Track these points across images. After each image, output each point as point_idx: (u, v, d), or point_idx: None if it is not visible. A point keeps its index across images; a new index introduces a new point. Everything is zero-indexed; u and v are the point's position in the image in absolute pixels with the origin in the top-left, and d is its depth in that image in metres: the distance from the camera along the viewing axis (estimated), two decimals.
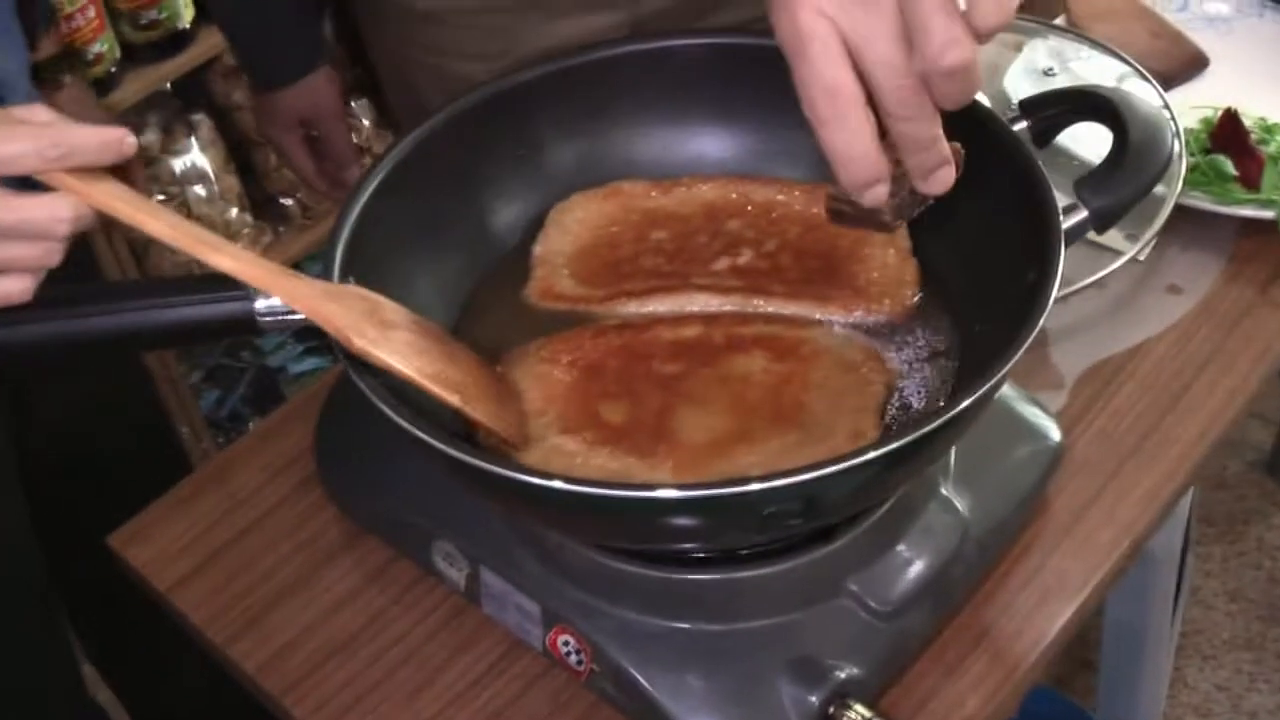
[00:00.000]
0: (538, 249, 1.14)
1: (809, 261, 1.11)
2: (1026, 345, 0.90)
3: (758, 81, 1.07)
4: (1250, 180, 1.34)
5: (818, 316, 1.07)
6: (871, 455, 0.85)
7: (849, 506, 0.98)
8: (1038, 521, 1.15)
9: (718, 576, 1.01)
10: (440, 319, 1.08)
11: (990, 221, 1.03)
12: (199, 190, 2.32)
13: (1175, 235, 1.35)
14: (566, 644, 1.04)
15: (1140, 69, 1.42)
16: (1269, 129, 1.40)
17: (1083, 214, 0.98)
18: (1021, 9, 1.57)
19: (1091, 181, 0.99)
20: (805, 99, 0.84)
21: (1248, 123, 1.38)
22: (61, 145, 0.84)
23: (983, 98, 1.38)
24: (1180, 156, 1.33)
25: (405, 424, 0.88)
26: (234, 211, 2.38)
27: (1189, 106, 1.43)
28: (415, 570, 1.16)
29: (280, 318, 0.95)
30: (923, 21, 0.78)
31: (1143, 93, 1.40)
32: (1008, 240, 1.00)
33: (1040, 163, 1.00)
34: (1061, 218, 0.96)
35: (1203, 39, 1.53)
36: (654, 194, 1.16)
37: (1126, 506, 1.16)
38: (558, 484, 0.86)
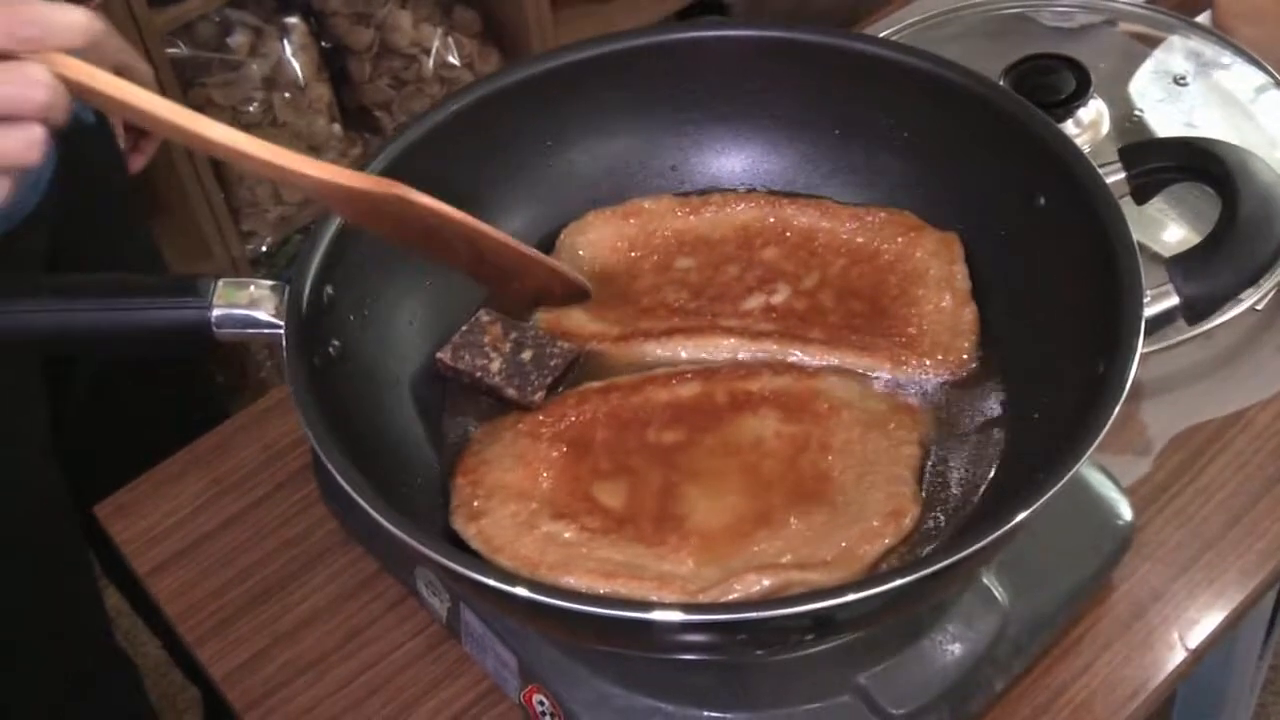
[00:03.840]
0: None
1: (852, 302, 0.98)
2: (1084, 460, 0.77)
3: (804, 83, 0.98)
4: None
5: (869, 371, 0.94)
6: (904, 580, 0.73)
7: (874, 623, 0.86)
8: (1093, 612, 1.01)
9: (717, 658, 0.90)
10: (430, 351, 0.98)
11: (1062, 287, 0.90)
12: (286, 96, 2.22)
13: None
14: (542, 704, 0.94)
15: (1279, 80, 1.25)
16: None
17: (1172, 300, 0.84)
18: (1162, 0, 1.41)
19: (1187, 261, 0.85)
20: None
21: None
22: (37, 23, 0.74)
23: (1098, 108, 1.25)
24: None
25: (367, 505, 0.77)
26: (321, 121, 2.28)
27: None
28: (400, 589, 1.07)
29: (239, 330, 0.86)
30: None
31: (1277, 114, 1.24)
32: (1079, 315, 0.86)
33: (1130, 227, 0.85)
34: (1146, 302, 0.82)
35: None
36: (680, 213, 1.03)
37: (1196, 608, 1.02)
38: (521, 591, 0.74)
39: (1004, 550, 0.93)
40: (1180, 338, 1.11)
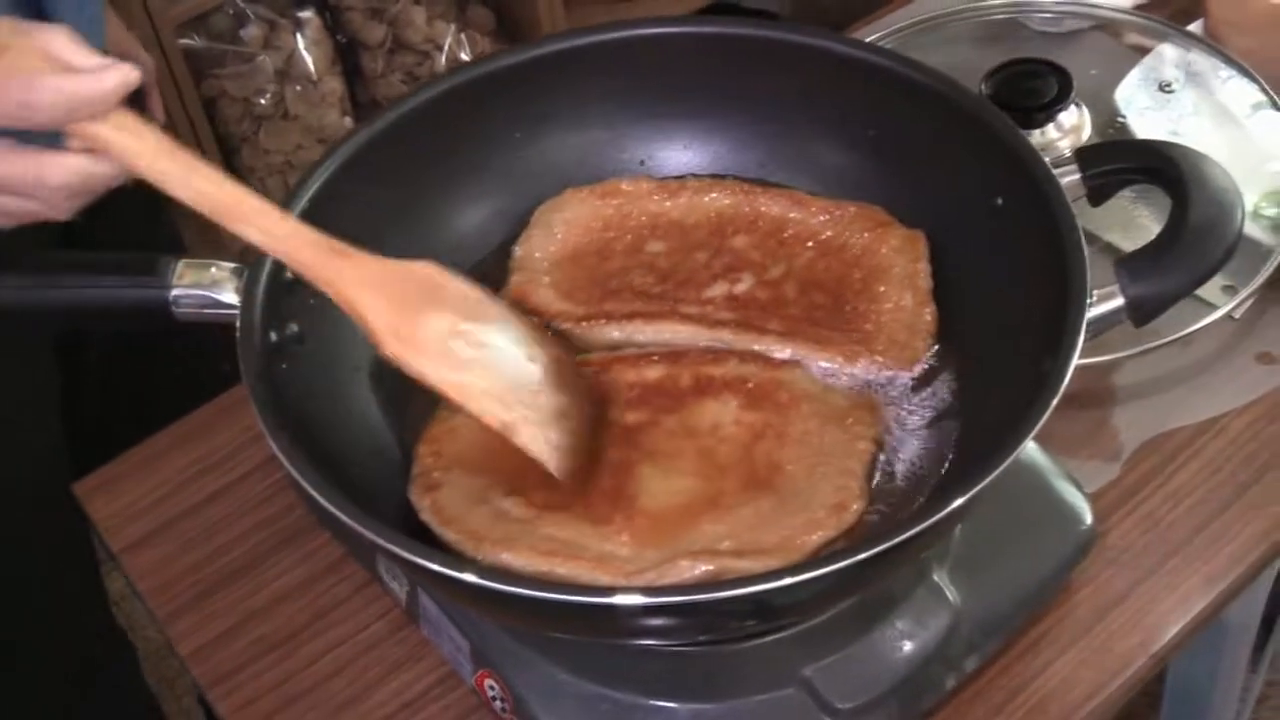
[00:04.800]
0: (518, 250, 1.02)
1: (815, 295, 0.98)
2: (1017, 453, 0.77)
3: (780, 76, 0.98)
4: None
5: (818, 363, 0.95)
6: (839, 565, 0.73)
7: (813, 610, 0.87)
8: (1053, 614, 1.01)
9: (660, 644, 0.90)
10: None
11: (1018, 287, 0.90)
12: (298, 89, 2.23)
13: (1279, 294, 1.19)
14: (492, 688, 0.95)
15: (1272, 94, 1.25)
16: None
17: (1117, 301, 0.84)
18: (1155, 7, 1.41)
19: (1134, 262, 0.85)
20: None
21: None
22: (75, 104, 0.79)
23: (1081, 113, 1.25)
24: None
25: (309, 487, 0.78)
26: (333, 114, 2.29)
27: None
28: (366, 573, 1.08)
29: (198, 310, 0.87)
30: None
31: (1272, 125, 1.24)
32: (1033, 314, 0.86)
33: (1080, 228, 0.85)
34: (1090, 302, 0.82)
35: None
36: (657, 196, 1.04)
37: (1159, 613, 1.02)
38: (469, 577, 0.74)
39: (944, 541, 0.95)
40: (1156, 343, 1.11)
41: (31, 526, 1.42)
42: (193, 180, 0.82)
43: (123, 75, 0.80)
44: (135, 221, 1.48)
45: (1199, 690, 1.57)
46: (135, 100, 0.85)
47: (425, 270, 0.87)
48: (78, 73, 0.79)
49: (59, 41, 0.80)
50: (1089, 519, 1.01)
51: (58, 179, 0.81)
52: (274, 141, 2.24)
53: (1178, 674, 1.58)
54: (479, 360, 0.86)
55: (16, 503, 1.37)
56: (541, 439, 0.86)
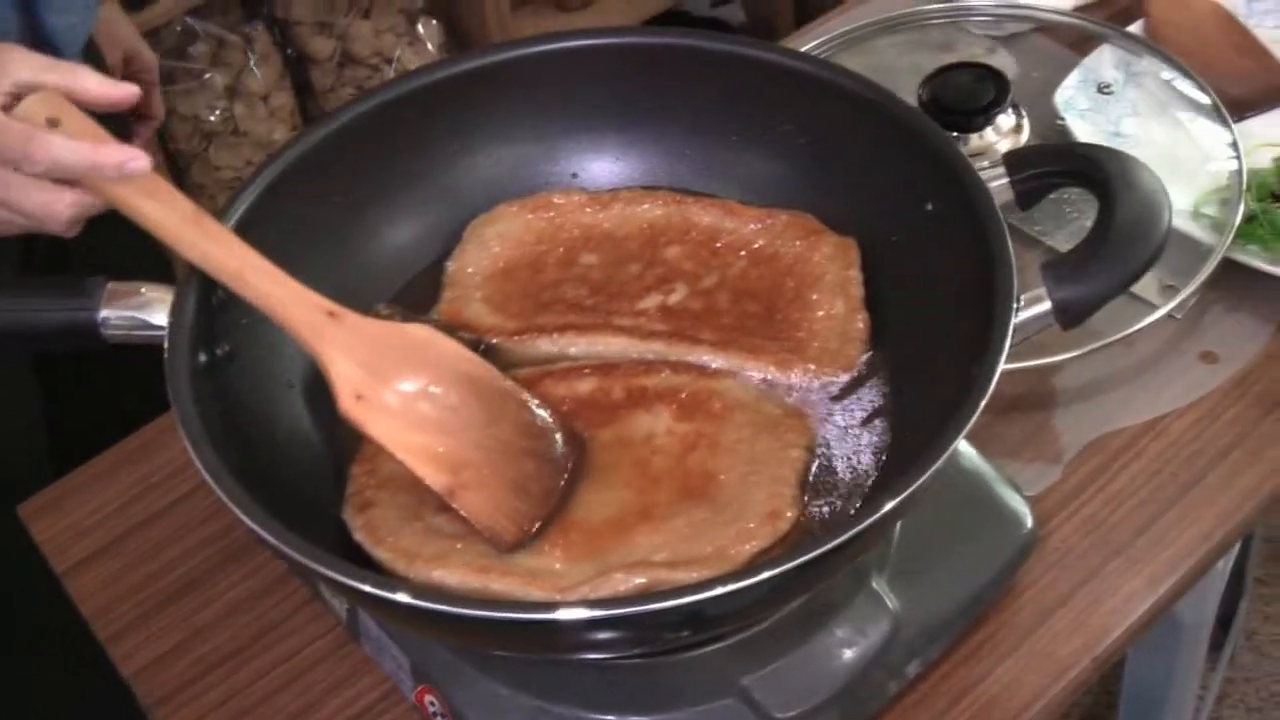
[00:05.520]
0: (451, 266, 1.02)
1: (747, 304, 0.98)
2: (945, 457, 0.77)
3: (709, 86, 0.99)
4: None
5: (750, 373, 0.95)
6: (766, 575, 0.73)
7: (751, 618, 0.87)
8: (995, 618, 1.01)
9: (599, 656, 0.90)
10: None
11: (949, 292, 0.90)
12: (248, 106, 2.23)
13: (1220, 293, 1.20)
14: (433, 704, 0.95)
15: (1211, 93, 1.25)
16: None
17: (1044, 305, 0.84)
18: (1096, 8, 1.41)
19: (1060, 266, 0.85)
20: None
21: None
22: (70, 170, 0.86)
23: (1019, 116, 1.25)
24: (1238, 200, 1.17)
25: (236, 508, 0.78)
26: (282, 130, 2.29)
27: (1263, 143, 1.26)
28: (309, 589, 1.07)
29: (128, 332, 0.87)
30: None
31: (1206, 125, 1.24)
32: (962, 317, 0.87)
33: (1007, 234, 0.85)
34: (1017, 306, 0.83)
35: None
36: (589, 208, 1.04)
37: (1101, 615, 1.02)
38: (401, 597, 0.74)
39: (880, 550, 0.94)
40: (1097, 344, 1.11)
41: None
42: (202, 244, 0.86)
43: (123, 158, 0.85)
44: (114, 234, 1.49)
45: (1155, 689, 1.58)
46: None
47: (417, 331, 0.89)
48: (79, 141, 0.85)
49: (82, 82, 0.88)
50: (1029, 523, 1.01)
51: (66, 214, 0.88)
52: (224, 158, 2.24)
53: (1134, 673, 1.59)
54: (441, 423, 0.87)
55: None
56: (487, 507, 0.86)
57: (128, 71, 1.55)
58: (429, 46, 2.36)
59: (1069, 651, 1.00)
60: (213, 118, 2.22)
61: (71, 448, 1.45)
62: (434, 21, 2.37)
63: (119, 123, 1.41)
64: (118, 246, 1.35)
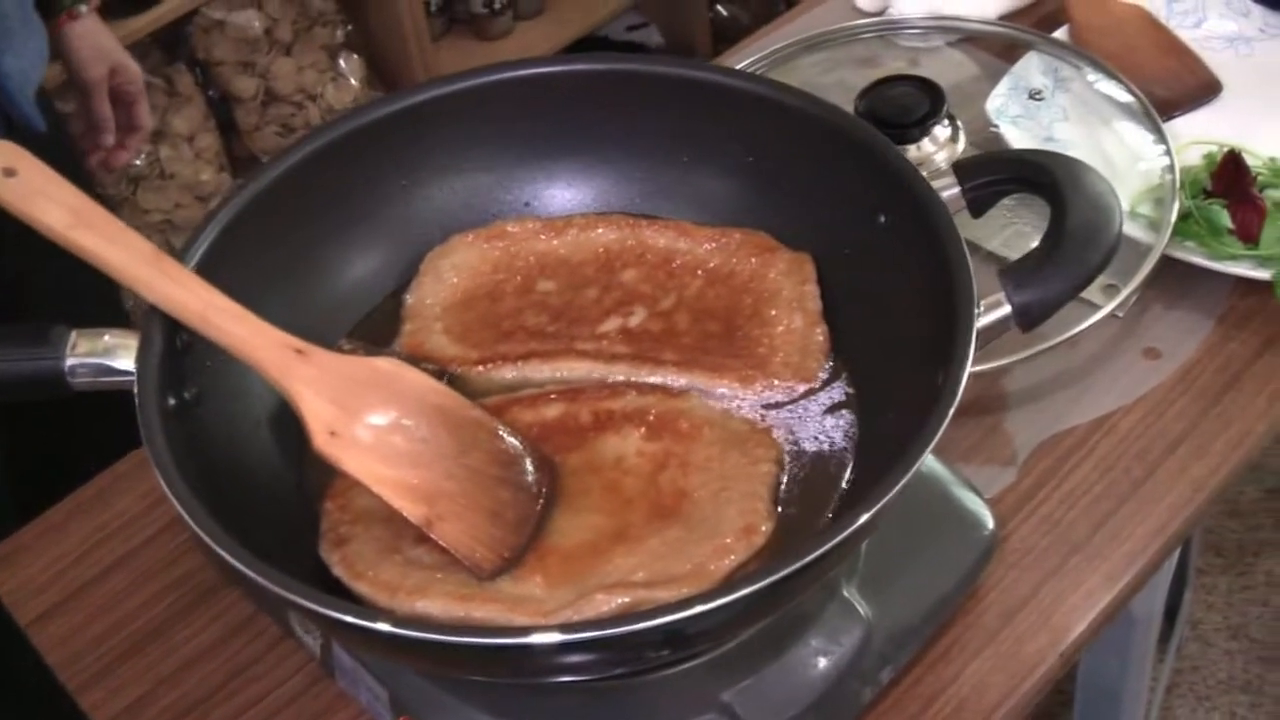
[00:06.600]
0: (409, 299, 1.02)
1: (707, 323, 0.99)
2: (918, 465, 0.78)
3: (654, 109, 1.00)
4: (1247, 233, 1.20)
5: (715, 390, 0.96)
6: (753, 588, 0.74)
7: (731, 633, 0.88)
8: (961, 620, 1.03)
9: (576, 679, 0.90)
10: None
11: (906, 302, 0.91)
12: (173, 148, 2.22)
13: (1160, 290, 1.22)
14: None
15: (1139, 94, 1.28)
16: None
17: (1004, 310, 0.86)
18: (1021, 15, 1.44)
19: (1018, 271, 0.86)
20: None
21: (1255, 163, 1.24)
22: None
23: (955, 126, 1.27)
24: (1173, 198, 1.20)
25: (221, 551, 0.77)
26: (209, 171, 2.28)
27: (1192, 141, 1.29)
28: (280, 627, 1.07)
29: (94, 379, 0.86)
30: None
31: (1135, 126, 1.27)
32: (922, 328, 0.88)
33: (963, 239, 0.87)
34: (978, 313, 0.84)
35: (1219, 60, 1.39)
36: (544, 235, 1.04)
37: (1064, 612, 1.04)
38: (383, 627, 0.74)
39: (851, 559, 0.96)
40: (1042, 346, 1.13)
41: None
42: (163, 286, 0.86)
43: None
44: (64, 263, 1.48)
45: (1110, 683, 1.60)
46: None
47: (385, 365, 0.89)
48: None
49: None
50: (991, 524, 1.03)
51: None
52: (152, 201, 2.22)
53: (1088, 669, 1.61)
54: (414, 455, 0.87)
55: None
56: (465, 536, 0.86)
57: (113, 84, 1.54)
58: (352, 81, 2.36)
59: (1035, 649, 1.02)
60: (139, 161, 2.20)
61: (30, 496, 1.45)
62: (355, 56, 2.37)
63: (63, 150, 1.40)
64: (63, 286, 1.35)
